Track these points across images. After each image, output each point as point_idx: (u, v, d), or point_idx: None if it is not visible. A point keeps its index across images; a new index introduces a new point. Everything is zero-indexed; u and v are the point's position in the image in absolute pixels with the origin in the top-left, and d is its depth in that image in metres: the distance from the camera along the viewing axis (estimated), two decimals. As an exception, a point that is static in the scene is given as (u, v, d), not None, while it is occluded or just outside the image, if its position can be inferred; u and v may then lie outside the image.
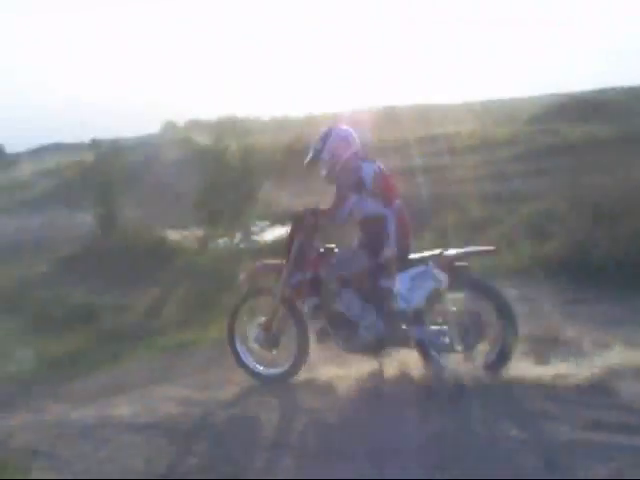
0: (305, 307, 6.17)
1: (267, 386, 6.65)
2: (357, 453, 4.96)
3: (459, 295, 5.65)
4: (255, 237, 21.43)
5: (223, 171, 23.11)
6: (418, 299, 5.54)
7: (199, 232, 21.37)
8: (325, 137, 6.14)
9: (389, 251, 5.70)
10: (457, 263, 5.63)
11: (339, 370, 6.33)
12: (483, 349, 5.73)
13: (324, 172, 6.14)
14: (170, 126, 60.72)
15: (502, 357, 5.55)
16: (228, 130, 27.81)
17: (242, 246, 20.65)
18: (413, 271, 5.57)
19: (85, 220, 26.43)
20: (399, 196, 5.93)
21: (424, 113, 44.80)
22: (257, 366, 6.63)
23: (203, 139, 33.75)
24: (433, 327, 5.64)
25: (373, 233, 5.77)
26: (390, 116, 41.14)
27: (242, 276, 6.75)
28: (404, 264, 5.68)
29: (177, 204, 23.30)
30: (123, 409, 7.17)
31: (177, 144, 39.53)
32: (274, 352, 6.48)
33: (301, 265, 6.06)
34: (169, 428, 6.18)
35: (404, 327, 5.69)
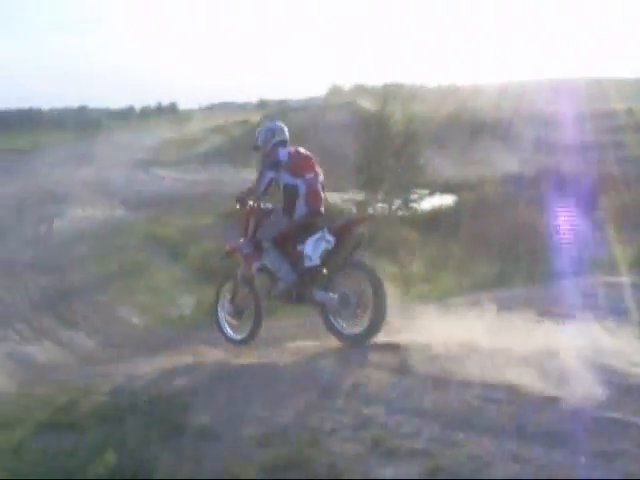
0: (253, 269, 7.62)
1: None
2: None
3: (349, 271, 6.91)
4: (413, 205, 21.34)
5: (386, 137, 23.05)
6: (315, 257, 6.83)
7: (358, 196, 21.53)
8: (259, 129, 7.81)
9: (301, 210, 7.15)
10: (351, 229, 7.09)
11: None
12: (361, 319, 6.87)
13: (260, 155, 7.70)
14: (336, 90, 61.11)
15: (371, 329, 6.73)
16: (393, 96, 27.53)
17: (400, 213, 20.65)
18: (315, 236, 6.88)
19: (249, 177, 27.33)
20: (312, 171, 7.34)
21: (595, 87, 42.35)
22: (229, 331, 8.10)
23: (368, 104, 33.78)
24: (330, 294, 6.88)
25: (289, 198, 7.20)
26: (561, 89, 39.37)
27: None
28: (314, 224, 7.09)
29: (338, 167, 23.48)
30: (279, 359, 7.40)
31: (342, 108, 39.75)
32: (238, 322, 8.03)
33: (250, 237, 7.76)
34: (324, 384, 6.29)
35: (313, 290, 7.03)
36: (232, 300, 7.91)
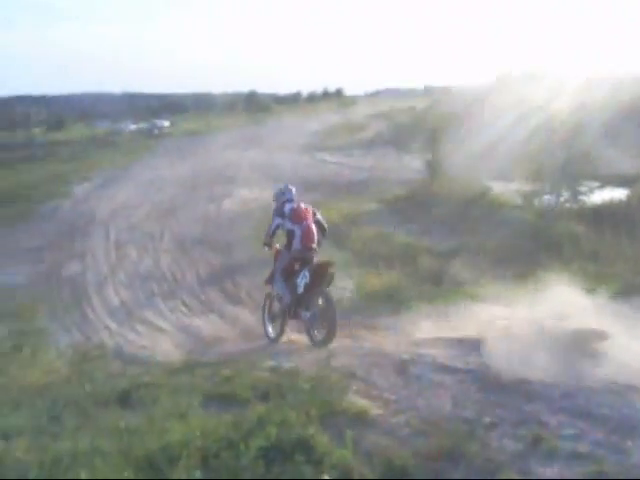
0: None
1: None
2: None
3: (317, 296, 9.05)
4: (583, 197, 20.37)
5: (555, 127, 22.13)
6: (300, 288, 9.15)
7: (524, 187, 20.86)
8: (277, 190, 10.14)
9: (297, 246, 9.34)
10: (324, 268, 9.14)
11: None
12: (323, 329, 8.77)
13: (273, 208, 9.90)
14: (504, 76, 59.34)
15: (329, 337, 8.63)
16: (565, 84, 26.35)
17: (568, 205, 19.78)
18: (301, 274, 9.20)
19: (412, 164, 27.25)
20: (308, 219, 9.48)
21: None
22: (269, 330, 9.98)
23: (539, 92, 32.54)
24: (308, 312, 9.08)
25: (288, 238, 9.50)
26: None
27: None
28: (307, 258, 9.35)
29: (504, 156, 22.86)
30: (434, 350, 7.35)
31: (511, 96, 38.58)
32: (273, 325, 9.96)
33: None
34: (480, 377, 6.19)
35: (301, 310, 9.20)
36: (269, 310, 10.05)
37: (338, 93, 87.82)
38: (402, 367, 6.68)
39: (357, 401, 5.75)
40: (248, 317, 11.87)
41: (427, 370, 6.51)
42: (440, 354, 7.14)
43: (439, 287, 12.56)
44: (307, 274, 9.17)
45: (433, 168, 22.20)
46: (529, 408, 5.37)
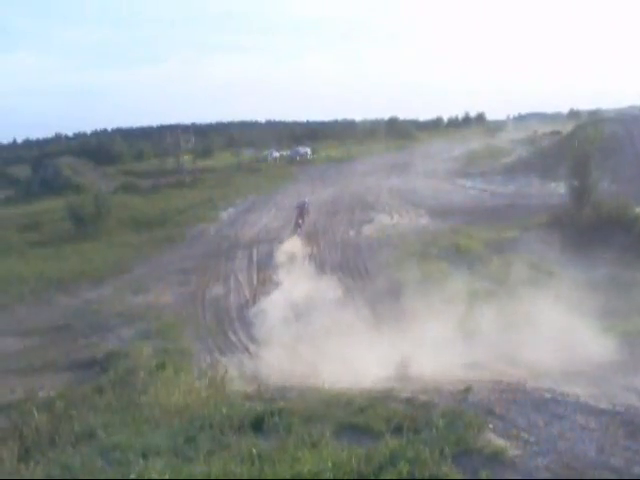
0: None
1: None
2: None
3: None
4: None
5: None
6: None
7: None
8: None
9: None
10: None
11: None
12: None
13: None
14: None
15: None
16: None
17: None
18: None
19: (557, 190, 26.26)
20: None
21: None
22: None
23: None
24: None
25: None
26: None
27: None
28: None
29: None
30: (579, 389, 6.96)
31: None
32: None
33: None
34: (628, 420, 5.77)
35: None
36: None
37: (480, 117, 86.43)
38: (543, 406, 6.35)
39: (494, 440, 5.50)
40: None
41: (570, 410, 6.15)
42: (586, 393, 6.74)
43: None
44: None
45: (579, 194, 21.25)
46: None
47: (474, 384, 7.34)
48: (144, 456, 5.92)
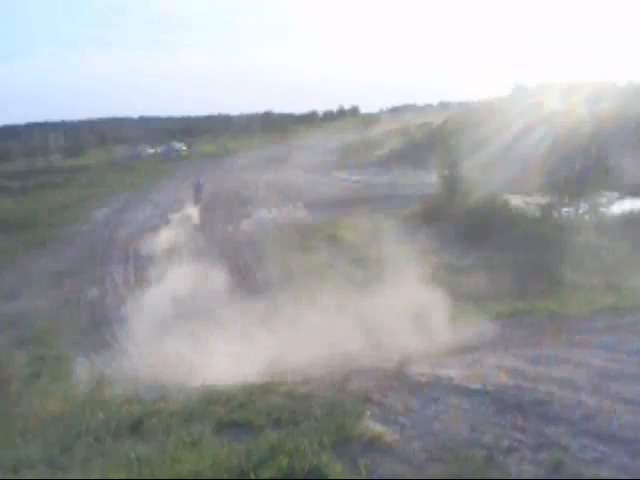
0: None
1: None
2: None
3: None
4: (602, 209, 20.10)
5: (572, 137, 21.86)
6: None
7: (542, 200, 20.64)
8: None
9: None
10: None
11: None
12: None
13: None
14: (520, 89, 59.07)
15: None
16: (581, 94, 26.22)
17: (587, 217, 19.56)
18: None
19: (428, 180, 27.14)
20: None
21: None
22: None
23: (553, 103, 32.32)
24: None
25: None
26: None
27: None
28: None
29: (521, 169, 22.67)
30: (452, 371, 7.20)
31: (526, 108, 38.36)
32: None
33: None
34: (498, 398, 6.03)
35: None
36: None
37: (354, 111, 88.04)
38: (419, 390, 6.53)
39: (373, 427, 5.61)
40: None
41: (444, 393, 6.36)
42: (459, 375, 6.97)
43: (460, 304, 12.41)
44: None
45: (449, 184, 22.04)
46: (549, 431, 5.21)
47: (353, 373, 7.47)
48: (15, 471, 5.68)
